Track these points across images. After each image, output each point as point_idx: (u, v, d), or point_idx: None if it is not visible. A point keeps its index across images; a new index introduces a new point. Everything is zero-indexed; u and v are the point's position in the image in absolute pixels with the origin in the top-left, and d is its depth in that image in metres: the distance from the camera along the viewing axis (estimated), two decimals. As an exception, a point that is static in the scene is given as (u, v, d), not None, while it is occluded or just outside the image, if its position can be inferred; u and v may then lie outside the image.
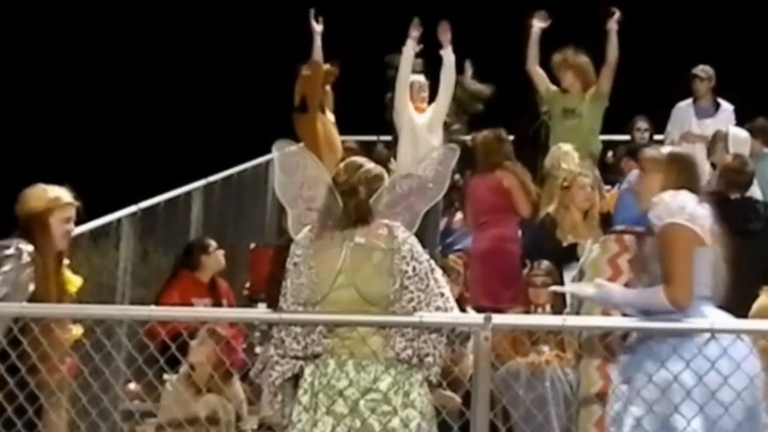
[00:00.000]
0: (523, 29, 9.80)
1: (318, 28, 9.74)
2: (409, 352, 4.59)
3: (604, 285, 4.92)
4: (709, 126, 10.27)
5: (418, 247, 4.69)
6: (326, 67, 9.42)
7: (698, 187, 4.92)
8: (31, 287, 5.59)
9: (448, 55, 9.58)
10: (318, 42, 9.68)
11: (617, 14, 9.52)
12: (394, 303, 4.62)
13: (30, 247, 5.62)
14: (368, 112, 10.70)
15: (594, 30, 9.61)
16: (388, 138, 10.58)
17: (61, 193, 5.86)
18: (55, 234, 5.77)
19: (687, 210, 4.74)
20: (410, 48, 9.50)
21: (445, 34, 9.66)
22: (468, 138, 10.28)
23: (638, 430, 4.47)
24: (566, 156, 8.84)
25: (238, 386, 7.39)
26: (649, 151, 5.20)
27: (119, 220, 8.96)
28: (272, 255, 9.42)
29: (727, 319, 4.74)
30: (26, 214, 5.76)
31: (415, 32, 9.47)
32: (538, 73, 9.83)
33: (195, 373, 7.11)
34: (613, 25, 9.47)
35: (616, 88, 9.69)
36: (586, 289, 4.98)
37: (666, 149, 5.20)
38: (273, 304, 9.27)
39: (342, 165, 4.94)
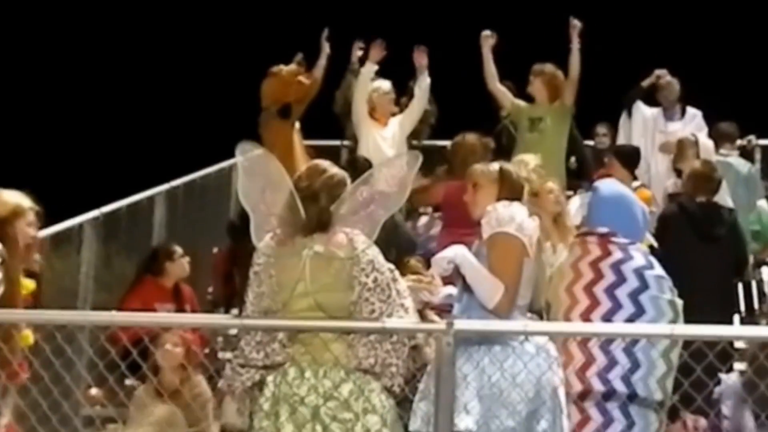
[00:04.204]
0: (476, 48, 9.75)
1: (327, 48, 9.87)
2: (372, 360, 4.58)
3: (465, 253, 5.07)
4: (678, 130, 10.35)
5: (380, 257, 4.67)
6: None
7: (521, 198, 5.28)
8: (0, 289, 5.59)
9: (424, 78, 9.77)
10: (323, 61, 9.79)
11: (578, 25, 9.49)
12: (353, 314, 4.59)
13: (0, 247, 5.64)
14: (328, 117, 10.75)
15: (560, 46, 9.62)
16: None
17: (21, 200, 5.90)
18: (20, 239, 5.81)
19: (516, 221, 5.06)
20: (369, 69, 9.70)
21: (421, 59, 9.83)
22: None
23: None
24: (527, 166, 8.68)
25: (203, 385, 7.38)
26: (480, 167, 5.49)
27: (81, 225, 8.94)
28: (226, 255, 9.57)
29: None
30: None
31: (376, 55, 9.64)
32: (500, 90, 9.77)
33: (161, 377, 7.12)
34: (575, 44, 9.45)
35: (579, 95, 9.69)
36: (447, 252, 5.09)
37: (496, 164, 5.45)
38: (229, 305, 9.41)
39: (304, 169, 4.88)
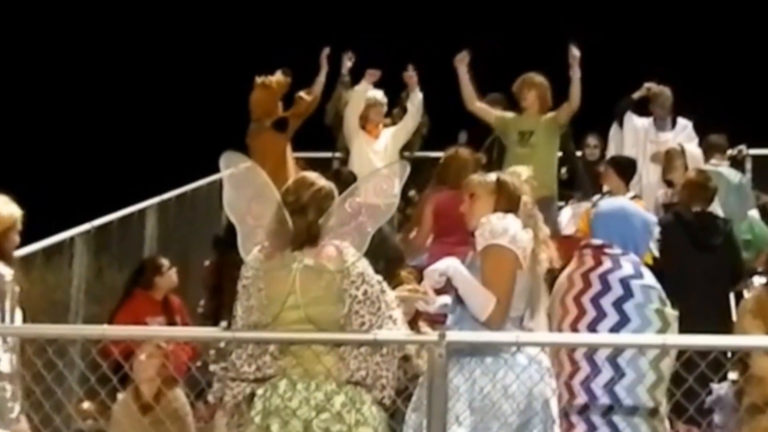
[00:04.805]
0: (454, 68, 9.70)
1: (326, 66, 10.05)
2: (363, 372, 4.57)
3: (457, 265, 5.10)
4: (669, 140, 10.36)
5: (369, 270, 4.66)
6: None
7: (518, 210, 5.28)
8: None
9: (416, 95, 9.99)
10: (322, 78, 9.98)
11: (578, 55, 9.39)
12: (344, 327, 4.58)
13: (11, 271, 5.68)
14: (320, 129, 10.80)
15: (551, 56, 9.62)
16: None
17: (13, 210, 5.91)
18: (11, 249, 5.86)
19: (510, 233, 5.06)
20: (364, 88, 9.89)
21: (410, 79, 9.92)
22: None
23: None
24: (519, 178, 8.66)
25: (182, 399, 7.35)
26: (477, 177, 5.49)
27: (72, 238, 8.93)
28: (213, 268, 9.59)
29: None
30: None
31: (370, 77, 9.85)
32: (482, 109, 9.67)
33: (142, 388, 7.11)
34: (576, 72, 9.39)
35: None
36: (439, 264, 5.12)
37: (493, 175, 5.45)
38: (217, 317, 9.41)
39: (291, 182, 4.84)
